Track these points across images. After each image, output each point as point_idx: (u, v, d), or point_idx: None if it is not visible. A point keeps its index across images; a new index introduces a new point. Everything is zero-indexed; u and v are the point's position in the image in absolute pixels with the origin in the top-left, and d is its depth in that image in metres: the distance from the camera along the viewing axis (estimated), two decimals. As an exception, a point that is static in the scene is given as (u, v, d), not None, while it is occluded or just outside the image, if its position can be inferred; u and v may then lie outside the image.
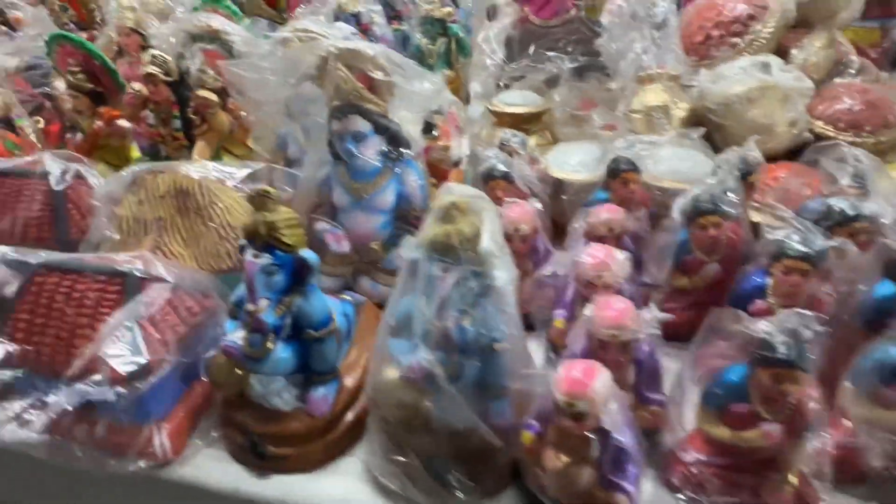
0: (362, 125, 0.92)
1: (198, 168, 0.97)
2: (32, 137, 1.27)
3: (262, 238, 0.71)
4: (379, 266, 1.02)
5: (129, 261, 0.78)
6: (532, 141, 1.18)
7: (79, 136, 1.32)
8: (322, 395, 0.77)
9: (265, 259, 0.71)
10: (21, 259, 0.86)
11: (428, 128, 1.05)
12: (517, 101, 1.34)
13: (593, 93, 1.34)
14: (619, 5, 1.71)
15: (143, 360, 0.73)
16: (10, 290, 0.84)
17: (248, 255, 0.72)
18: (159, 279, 0.78)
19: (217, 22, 1.21)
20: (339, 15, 1.40)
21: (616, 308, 0.68)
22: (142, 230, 0.97)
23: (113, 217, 0.97)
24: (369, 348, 0.81)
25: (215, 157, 1.21)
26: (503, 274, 0.66)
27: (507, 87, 1.64)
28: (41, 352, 0.75)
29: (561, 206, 1.11)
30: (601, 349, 0.68)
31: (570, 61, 1.70)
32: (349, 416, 0.80)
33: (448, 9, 1.44)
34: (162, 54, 1.11)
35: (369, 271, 1.03)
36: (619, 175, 0.95)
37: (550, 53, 1.74)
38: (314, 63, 0.92)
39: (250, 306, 0.72)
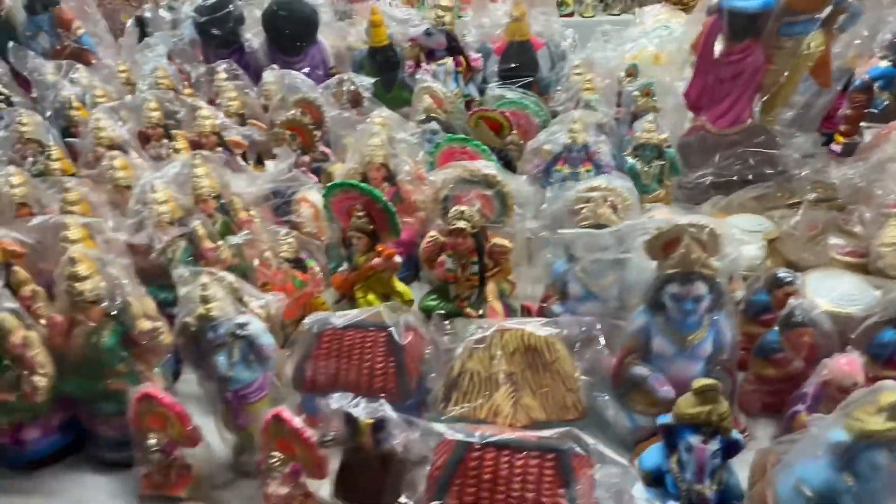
0: (703, 289, 1.03)
1: (543, 325, 1.07)
2: (319, 277, 1.39)
3: (712, 426, 0.81)
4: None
5: (560, 438, 0.87)
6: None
7: (344, 266, 1.44)
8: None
9: (715, 445, 0.81)
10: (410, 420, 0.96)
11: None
12: (749, 225, 1.44)
13: (819, 215, 1.45)
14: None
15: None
16: (416, 450, 0.95)
17: (696, 440, 0.81)
18: (585, 456, 0.87)
19: (491, 169, 1.33)
20: (572, 146, 1.52)
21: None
22: (493, 384, 1.07)
23: (464, 372, 1.07)
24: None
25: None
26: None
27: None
28: (493, 527, 0.84)
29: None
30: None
31: (747, 172, 1.83)
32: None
33: (664, 135, 1.56)
34: (470, 209, 1.22)
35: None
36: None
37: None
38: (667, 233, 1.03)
39: (698, 486, 0.81)
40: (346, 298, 1.45)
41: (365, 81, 2.07)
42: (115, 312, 1.09)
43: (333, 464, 1.01)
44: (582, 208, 1.22)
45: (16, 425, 1.13)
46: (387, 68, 2.27)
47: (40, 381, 1.09)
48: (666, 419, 0.86)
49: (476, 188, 1.34)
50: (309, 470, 1.01)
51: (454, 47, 2.04)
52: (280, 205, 1.62)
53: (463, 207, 1.23)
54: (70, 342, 1.13)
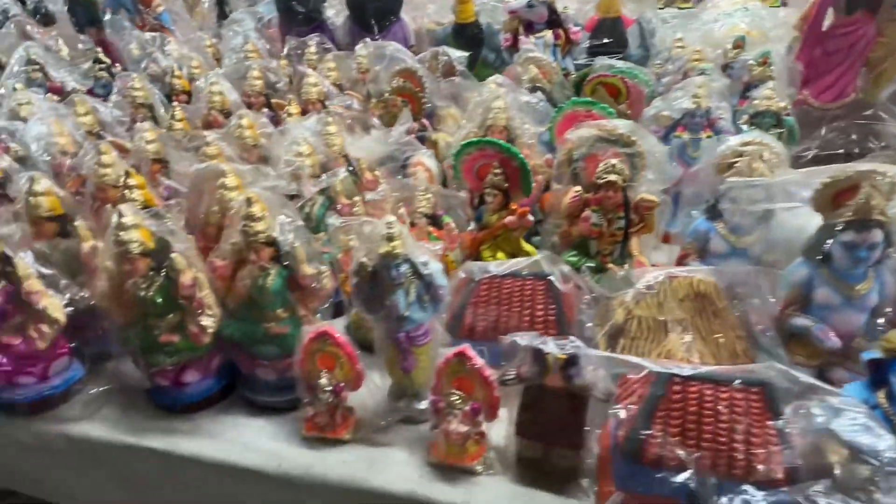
0: (879, 237, 1.03)
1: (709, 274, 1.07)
2: (455, 233, 1.39)
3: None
4: (853, 358, 1.11)
5: (765, 371, 0.87)
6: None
7: (472, 226, 1.45)
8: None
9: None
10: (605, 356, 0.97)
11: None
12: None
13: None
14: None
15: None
16: (604, 387, 0.95)
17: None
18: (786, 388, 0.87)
19: (627, 129, 1.33)
20: (696, 112, 1.53)
21: None
22: (661, 329, 1.07)
23: (630, 318, 1.08)
24: None
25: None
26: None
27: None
28: (702, 455, 0.85)
29: None
30: None
31: (852, 146, 1.82)
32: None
33: (784, 103, 1.56)
34: (620, 163, 1.23)
35: (843, 363, 1.12)
36: None
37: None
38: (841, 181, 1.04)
39: (915, 416, 0.81)
40: (473, 258, 1.45)
41: (458, 54, 2.08)
42: (283, 253, 1.11)
43: (505, 406, 1.02)
44: (735, 163, 1.22)
45: (179, 367, 1.15)
46: (472, 45, 2.28)
47: (208, 321, 1.11)
48: (873, 354, 0.87)
49: (613, 147, 1.34)
50: (485, 410, 1.02)
51: (554, 20, 2.05)
52: (396, 168, 1.64)
53: (613, 161, 1.24)
54: (233, 286, 1.14)
